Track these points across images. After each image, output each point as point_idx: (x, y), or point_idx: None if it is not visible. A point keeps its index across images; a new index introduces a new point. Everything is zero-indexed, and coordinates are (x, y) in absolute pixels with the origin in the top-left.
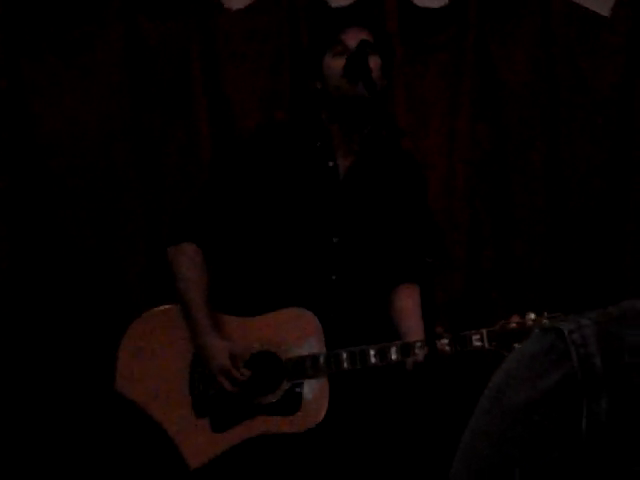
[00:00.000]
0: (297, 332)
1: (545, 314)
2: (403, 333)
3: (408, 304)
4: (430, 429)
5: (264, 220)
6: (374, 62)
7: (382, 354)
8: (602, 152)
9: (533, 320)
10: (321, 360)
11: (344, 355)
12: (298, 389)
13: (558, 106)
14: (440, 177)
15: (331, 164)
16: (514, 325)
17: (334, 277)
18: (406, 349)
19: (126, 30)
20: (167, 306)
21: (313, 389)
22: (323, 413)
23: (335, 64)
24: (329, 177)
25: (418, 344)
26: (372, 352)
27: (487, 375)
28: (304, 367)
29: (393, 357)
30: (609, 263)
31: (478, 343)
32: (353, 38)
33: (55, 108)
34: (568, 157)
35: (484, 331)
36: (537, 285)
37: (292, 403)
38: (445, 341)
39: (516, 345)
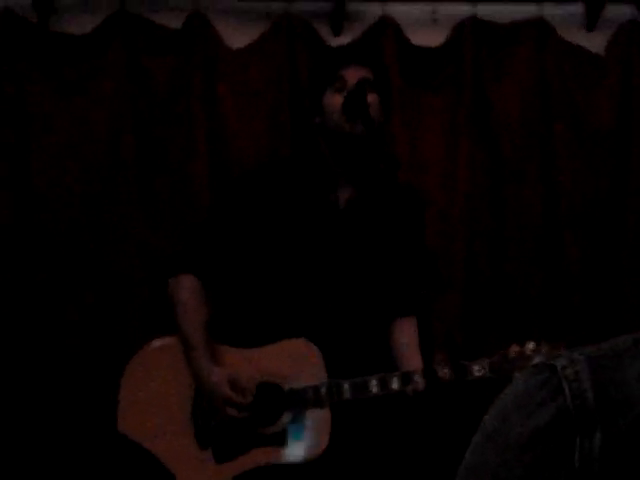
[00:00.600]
0: (299, 363)
1: (543, 342)
2: (402, 366)
3: (406, 337)
4: (431, 457)
5: (264, 252)
6: (373, 99)
7: (383, 384)
8: (598, 184)
9: (532, 350)
10: (323, 391)
11: (346, 385)
12: (300, 420)
13: (554, 139)
14: (438, 209)
15: (331, 197)
16: (513, 354)
17: (334, 308)
18: (406, 379)
19: (128, 63)
20: (166, 338)
21: (315, 420)
22: (325, 443)
23: (334, 100)
24: (329, 210)
25: (418, 374)
26: (373, 382)
27: (486, 403)
28: (306, 398)
29: (394, 387)
30: (605, 291)
31: (479, 373)
32: (353, 75)
33: (57, 135)
34: (564, 189)
35: (485, 361)
36: (533, 311)
37: (294, 434)
38: (446, 370)
39: (516, 374)
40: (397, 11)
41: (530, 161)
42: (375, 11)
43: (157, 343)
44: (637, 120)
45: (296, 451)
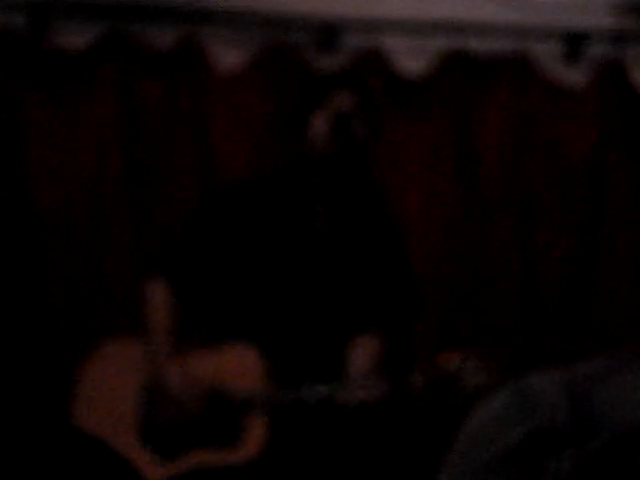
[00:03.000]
0: (241, 367)
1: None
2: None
3: (361, 352)
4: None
5: (240, 264)
6: (359, 123)
7: (324, 393)
8: (574, 218)
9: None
10: (266, 396)
11: (289, 392)
12: (241, 423)
13: (532, 173)
14: (416, 235)
15: (311, 213)
16: (448, 367)
17: (305, 317)
18: (349, 388)
19: (119, 83)
20: (124, 334)
21: (256, 424)
22: (261, 447)
23: (320, 123)
24: (308, 225)
25: (360, 384)
26: (316, 390)
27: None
28: (250, 402)
29: (338, 396)
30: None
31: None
32: (339, 99)
33: (48, 155)
34: (540, 223)
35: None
36: (506, 343)
37: (234, 436)
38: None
39: (491, 393)
40: (385, 41)
41: (507, 192)
42: (363, 40)
43: (115, 336)
44: (614, 156)
45: (234, 453)
